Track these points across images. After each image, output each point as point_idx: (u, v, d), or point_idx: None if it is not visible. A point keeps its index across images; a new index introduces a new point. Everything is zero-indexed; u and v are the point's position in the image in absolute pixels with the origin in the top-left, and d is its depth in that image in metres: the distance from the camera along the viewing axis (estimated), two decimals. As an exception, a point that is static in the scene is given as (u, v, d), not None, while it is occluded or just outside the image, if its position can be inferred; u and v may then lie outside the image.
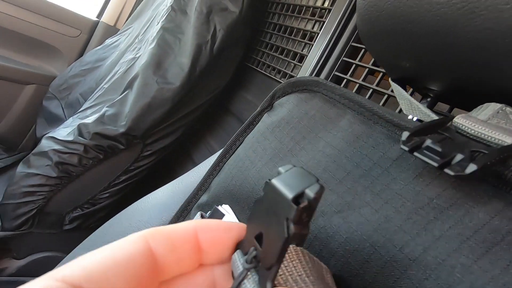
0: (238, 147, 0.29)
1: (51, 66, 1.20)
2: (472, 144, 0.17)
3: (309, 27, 0.70)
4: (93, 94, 0.88)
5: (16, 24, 1.09)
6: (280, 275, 0.13)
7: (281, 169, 0.12)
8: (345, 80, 0.57)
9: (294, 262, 0.14)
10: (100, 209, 0.82)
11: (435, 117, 0.22)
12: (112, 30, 1.23)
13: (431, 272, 0.15)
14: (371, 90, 0.51)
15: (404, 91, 0.27)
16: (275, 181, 0.12)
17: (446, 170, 0.15)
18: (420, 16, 0.19)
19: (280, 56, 0.77)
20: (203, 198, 0.29)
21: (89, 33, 1.23)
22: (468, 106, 0.24)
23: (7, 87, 1.09)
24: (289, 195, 0.11)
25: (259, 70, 0.84)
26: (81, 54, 1.21)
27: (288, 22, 0.77)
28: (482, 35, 0.17)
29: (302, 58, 0.69)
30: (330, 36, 0.61)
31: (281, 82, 0.29)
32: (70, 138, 0.74)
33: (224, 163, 0.29)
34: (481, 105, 0.20)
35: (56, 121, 0.95)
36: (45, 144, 0.75)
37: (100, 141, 0.74)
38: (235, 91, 0.91)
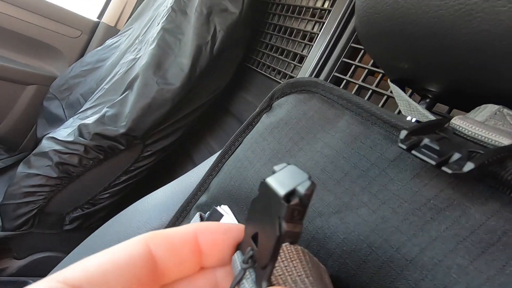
0: (237, 148, 0.29)
1: (52, 66, 1.20)
2: (469, 145, 0.17)
3: (309, 28, 0.70)
4: (93, 95, 0.88)
5: (17, 25, 1.09)
6: (280, 275, 0.13)
7: (275, 167, 0.12)
8: (344, 81, 0.57)
9: (294, 262, 0.14)
10: (100, 209, 0.82)
11: (433, 118, 0.22)
12: (112, 31, 1.24)
13: (428, 272, 0.15)
14: (370, 91, 0.51)
15: (403, 92, 0.27)
16: (269, 180, 0.12)
17: (444, 169, 0.15)
18: (418, 18, 0.20)
19: (280, 56, 0.77)
20: (202, 198, 0.29)
21: (90, 33, 1.23)
22: (467, 107, 0.24)
23: (8, 88, 1.09)
24: (281, 192, 0.11)
25: (259, 70, 0.84)
26: (82, 54, 1.22)
27: (288, 23, 0.77)
28: (479, 37, 0.17)
29: (302, 59, 0.69)
30: (330, 37, 0.62)
31: (281, 83, 0.29)
32: (71, 139, 0.74)
33: (223, 164, 0.29)
34: (478, 107, 0.21)
35: (56, 121, 0.96)
36: (46, 145, 0.76)
37: (100, 142, 0.75)
38: (235, 92, 0.91)
